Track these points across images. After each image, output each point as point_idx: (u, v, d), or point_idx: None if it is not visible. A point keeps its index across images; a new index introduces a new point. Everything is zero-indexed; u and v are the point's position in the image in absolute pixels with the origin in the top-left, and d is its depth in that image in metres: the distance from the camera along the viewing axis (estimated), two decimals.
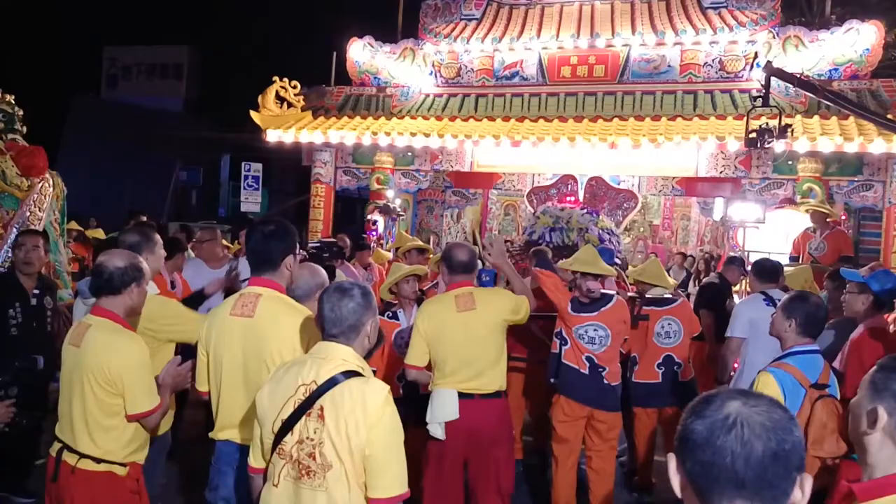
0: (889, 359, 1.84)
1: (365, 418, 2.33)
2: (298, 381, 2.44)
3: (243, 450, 2.91)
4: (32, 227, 6.21)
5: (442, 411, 3.99)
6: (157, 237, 3.74)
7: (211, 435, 3.14)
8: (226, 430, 3.07)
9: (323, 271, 3.64)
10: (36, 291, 5.19)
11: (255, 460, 2.61)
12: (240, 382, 3.00)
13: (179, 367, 3.21)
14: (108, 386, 2.93)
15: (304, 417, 2.38)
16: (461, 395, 3.97)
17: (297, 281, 3.48)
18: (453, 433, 4.00)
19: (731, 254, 8.97)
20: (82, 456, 2.95)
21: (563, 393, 4.89)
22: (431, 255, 7.57)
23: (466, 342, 4.01)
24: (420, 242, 7.39)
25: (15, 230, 6.44)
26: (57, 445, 3.04)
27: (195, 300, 4.32)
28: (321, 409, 2.37)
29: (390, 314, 5.11)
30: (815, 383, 3.19)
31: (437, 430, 4.02)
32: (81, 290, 4.32)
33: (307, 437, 2.38)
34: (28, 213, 6.70)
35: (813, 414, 3.10)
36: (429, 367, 4.17)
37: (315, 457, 2.37)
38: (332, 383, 2.38)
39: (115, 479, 2.99)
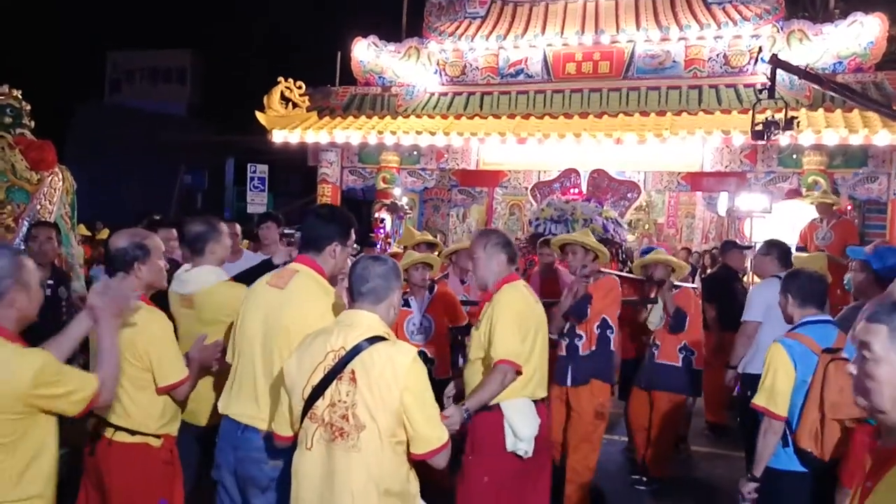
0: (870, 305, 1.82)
1: (395, 379, 2.44)
2: (327, 348, 2.52)
3: (244, 428, 2.92)
4: (43, 220, 6.24)
5: (530, 425, 3.44)
6: (224, 227, 3.69)
7: (220, 407, 3.09)
8: (229, 403, 3.03)
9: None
10: (50, 282, 5.22)
11: (281, 429, 2.66)
12: (258, 353, 2.97)
13: (207, 344, 3.23)
14: (136, 361, 2.98)
15: (334, 382, 2.47)
16: (536, 401, 3.51)
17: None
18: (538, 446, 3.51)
19: (727, 239, 9.01)
20: (118, 429, 3.01)
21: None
22: (441, 250, 7.60)
23: (545, 338, 3.66)
24: (429, 237, 7.42)
25: (26, 223, 6.48)
26: (93, 420, 3.08)
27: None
28: (352, 372, 2.46)
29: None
30: (827, 348, 3.19)
31: (526, 447, 3.43)
32: (96, 277, 4.38)
33: (339, 400, 2.47)
34: (39, 207, 6.73)
35: (827, 377, 3.09)
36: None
37: (348, 418, 2.46)
38: (360, 348, 2.47)
39: (149, 451, 3.05)
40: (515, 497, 3.52)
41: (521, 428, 3.38)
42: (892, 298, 1.81)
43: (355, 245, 4.44)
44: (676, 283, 5.79)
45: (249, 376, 2.98)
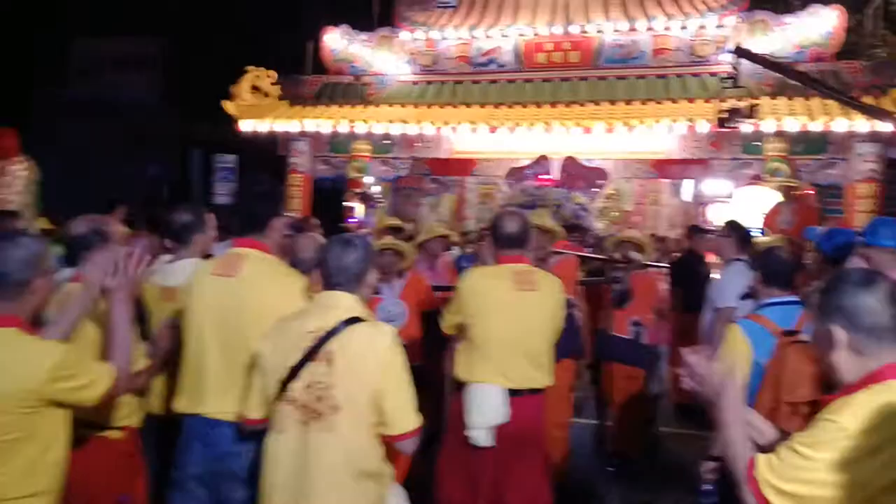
0: (827, 282, 1.98)
1: (375, 360, 2.44)
2: (304, 329, 2.48)
3: (213, 424, 2.79)
4: (6, 209, 6.21)
5: (492, 412, 3.40)
6: (210, 218, 3.56)
7: (175, 406, 2.91)
8: (194, 402, 2.85)
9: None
10: None
11: (252, 411, 2.59)
12: (217, 347, 2.81)
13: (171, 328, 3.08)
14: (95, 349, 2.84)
15: (311, 363, 2.45)
16: (511, 393, 3.39)
17: (302, 253, 3.55)
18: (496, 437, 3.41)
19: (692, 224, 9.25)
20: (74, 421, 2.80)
21: None
22: (409, 234, 7.67)
23: (519, 328, 3.46)
24: (398, 221, 7.52)
25: None
26: None
27: None
28: (329, 353, 2.45)
29: None
30: (786, 330, 3.17)
31: (482, 436, 3.39)
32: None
33: (315, 382, 2.44)
34: (1, 196, 6.72)
35: (785, 359, 3.05)
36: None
37: (324, 399, 2.43)
38: (338, 329, 2.45)
39: (108, 444, 2.92)
40: (467, 485, 3.47)
41: (473, 414, 3.38)
42: (842, 272, 2.00)
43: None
44: (649, 263, 6.01)
45: (210, 371, 2.83)
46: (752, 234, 5.79)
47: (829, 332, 1.88)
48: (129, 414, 2.96)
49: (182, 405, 2.88)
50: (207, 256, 3.43)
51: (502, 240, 3.59)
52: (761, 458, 1.86)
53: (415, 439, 2.52)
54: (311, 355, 2.44)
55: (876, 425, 1.75)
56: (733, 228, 5.67)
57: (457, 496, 3.50)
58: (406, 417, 2.50)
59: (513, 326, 3.44)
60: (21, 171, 7.26)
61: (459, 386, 3.53)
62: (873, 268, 3.50)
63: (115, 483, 2.92)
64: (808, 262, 4.65)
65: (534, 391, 3.49)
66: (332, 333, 2.44)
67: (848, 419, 1.77)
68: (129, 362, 2.57)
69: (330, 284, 2.56)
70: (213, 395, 2.80)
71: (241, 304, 2.78)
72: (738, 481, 1.88)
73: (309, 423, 2.44)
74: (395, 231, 7.50)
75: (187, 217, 3.47)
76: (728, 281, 5.31)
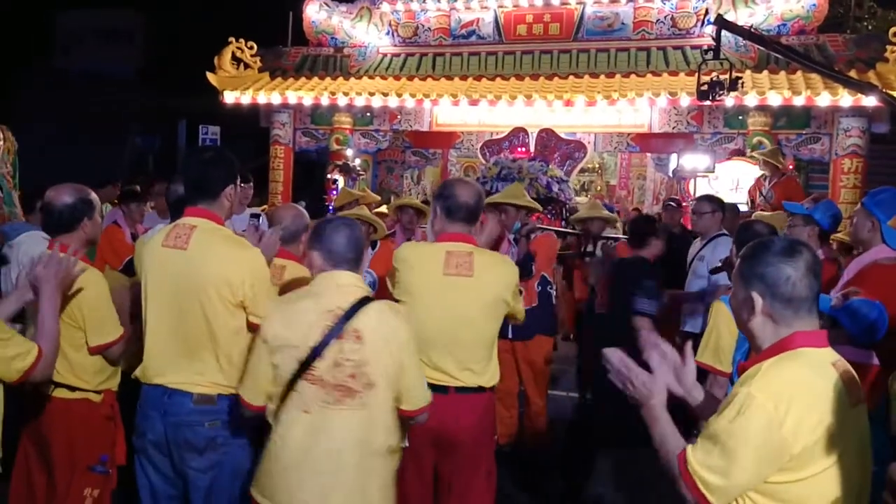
0: (747, 249, 2.02)
1: (396, 338, 2.54)
2: (322, 308, 2.51)
3: (171, 393, 2.84)
4: None
5: None
6: None
7: (137, 374, 2.96)
8: (154, 372, 2.89)
9: (306, 213, 3.70)
10: None
11: (256, 398, 2.60)
12: (173, 319, 2.85)
13: None
14: (69, 320, 2.97)
15: (335, 341, 2.47)
16: (433, 388, 2.83)
17: (282, 222, 3.54)
18: (420, 437, 3.04)
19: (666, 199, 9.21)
20: (57, 385, 3.01)
21: None
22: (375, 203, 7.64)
23: (448, 317, 3.08)
24: (374, 196, 7.54)
25: None
26: None
27: None
28: (356, 330, 2.48)
29: None
30: None
31: None
32: (7, 234, 4.35)
33: (345, 360, 2.47)
34: None
35: None
36: None
37: (357, 376, 2.48)
38: (358, 307, 2.50)
39: (90, 406, 3.06)
40: (421, 480, 3.27)
41: None
42: (759, 241, 2.05)
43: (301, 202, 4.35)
44: (616, 236, 6.03)
45: (167, 342, 2.86)
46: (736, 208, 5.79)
47: (751, 298, 1.93)
48: (108, 378, 3.13)
49: (140, 374, 2.94)
50: None
51: (445, 212, 3.22)
52: (689, 452, 1.87)
53: (427, 413, 2.67)
54: (333, 333, 2.46)
55: (782, 393, 1.79)
56: (716, 203, 5.68)
57: (413, 492, 3.19)
58: (423, 392, 2.65)
59: (436, 315, 3.06)
60: None
61: None
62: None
63: (97, 444, 3.09)
64: (787, 233, 4.65)
65: (463, 390, 3.10)
66: (353, 311, 2.48)
67: (758, 388, 1.81)
68: (54, 349, 2.65)
69: (335, 264, 2.58)
70: (171, 366, 2.85)
71: (192, 275, 2.81)
72: (674, 478, 1.89)
73: (338, 403, 2.46)
74: (368, 205, 7.55)
75: (181, 189, 3.42)
76: (717, 257, 5.33)
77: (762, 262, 1.92)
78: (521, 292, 5.32)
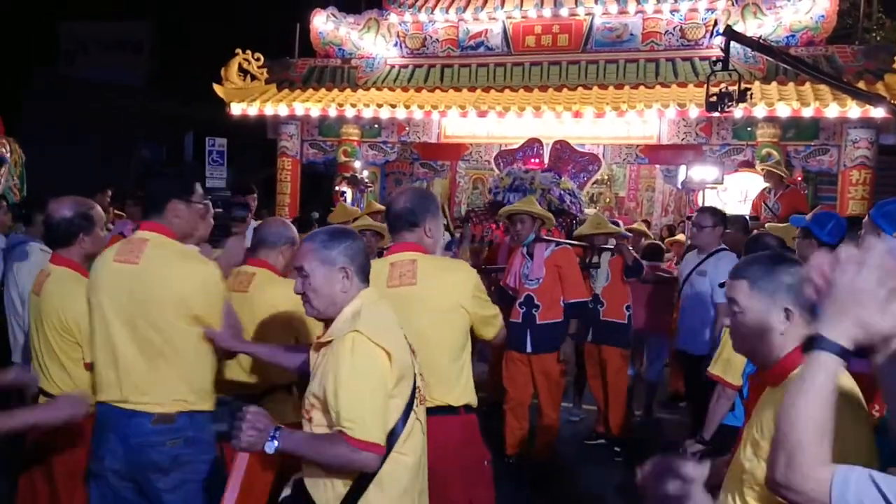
0: (755, 266, 1.99)
1: None
2: (398, 326, 2.37)
3: (130, 415, 2.75)
4: None
5: None
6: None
7: (98, 396, 2.86)
8: (109, 391, 2.79)
9: (292, 227, 3.68)
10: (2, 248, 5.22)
11: (382, 436, 2.20)
12: (125, 336, 2.77)
13: None
14: (65, 334, 3.01)
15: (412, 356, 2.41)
16: None
17: (266, 229, 3.54)
18: None
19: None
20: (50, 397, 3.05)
21: None
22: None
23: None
24: (379, 206, 7.58)
25: None
26: (34, 394, 3.11)
27: None
28: (411, 345, 2.42)
29: None
30: None
31: None
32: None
33: (419, 372, 2.43)
34: None
35: None
36: None
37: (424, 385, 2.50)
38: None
39: (91, 418, 2.99)
40: None
41: None
42: (753, 256, 2.05)
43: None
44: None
45: (123, 361, 2.76)
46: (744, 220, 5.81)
47: (785, 310, 1.91)
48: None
49: (97, 395, 2.85)
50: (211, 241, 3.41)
51: (389, 224, 3.06)
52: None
53: None
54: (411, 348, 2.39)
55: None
56: (718, 217, 5.63)
57: None
58: None
59: None
60: (6, 154, 7.22)
61: None
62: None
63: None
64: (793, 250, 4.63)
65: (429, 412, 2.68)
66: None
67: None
68: None
69: (362, 283, 2.37)
70: (129, 385, 2.76)
71: (145, 290, 2.74)
72: None
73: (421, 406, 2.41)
74: (374, 215, 7.59)
75: None
76: (721, 273, 5.27)
77: (783, 274, 1.92)
78: (537, 306, 5.40)
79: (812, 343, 1.44)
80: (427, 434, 2.47)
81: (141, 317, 2.75)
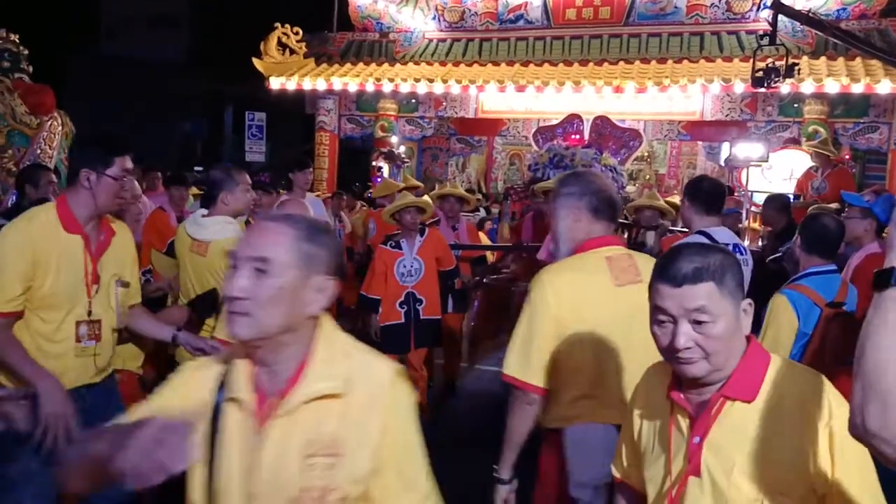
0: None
1: None
2: None
3: None
4: (43, 164, 6.25)
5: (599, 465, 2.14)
6: (242, 178, 3.47)
7: None
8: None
9: (309, 208, 3.70)
10: None
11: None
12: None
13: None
14: None
15: None
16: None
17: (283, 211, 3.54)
18: None
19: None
20: None
21: None
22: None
23: (631, 337, 2.27)
24: (413, 182, 7.55)
25: None
26: None
27: None
28: None
29: (393, 244, 5.30)
30: (830, 302, 3.12)
31: (588, 495, 2.35)
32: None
33: None
34: (39, 151, 6.78)
35: (829, 331, 3.05)
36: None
37: None
38: None
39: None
40: None
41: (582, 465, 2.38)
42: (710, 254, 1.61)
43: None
44: (672, 227, 5.83)
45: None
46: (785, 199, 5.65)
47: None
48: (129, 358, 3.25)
49: None
50: (239, 214, 3.49)
51: (592, 210, 2.55)
52: None
53: None
54: None
55: None
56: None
57: None
58: None
59: (617, 337, 2.53)
60: (57, 127, 7.34)
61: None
62: None
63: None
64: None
65: None
66: None
67: None
68: None
69: None
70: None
71: None
72: None
73: None
74: (411, 190, 7.54)
75: (216, 175, 3.52)
76: None
77: (735, 265, 1.62)
78: None
79: (888, 277, 1.25)
80: None
81: None
